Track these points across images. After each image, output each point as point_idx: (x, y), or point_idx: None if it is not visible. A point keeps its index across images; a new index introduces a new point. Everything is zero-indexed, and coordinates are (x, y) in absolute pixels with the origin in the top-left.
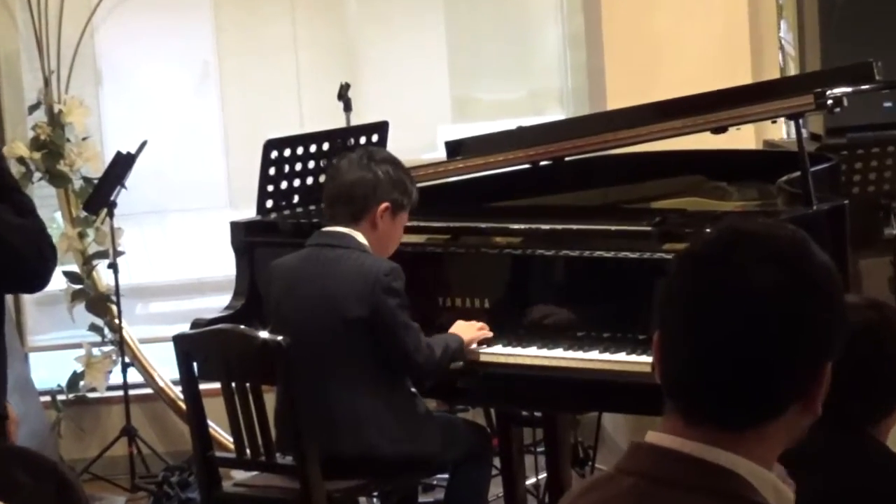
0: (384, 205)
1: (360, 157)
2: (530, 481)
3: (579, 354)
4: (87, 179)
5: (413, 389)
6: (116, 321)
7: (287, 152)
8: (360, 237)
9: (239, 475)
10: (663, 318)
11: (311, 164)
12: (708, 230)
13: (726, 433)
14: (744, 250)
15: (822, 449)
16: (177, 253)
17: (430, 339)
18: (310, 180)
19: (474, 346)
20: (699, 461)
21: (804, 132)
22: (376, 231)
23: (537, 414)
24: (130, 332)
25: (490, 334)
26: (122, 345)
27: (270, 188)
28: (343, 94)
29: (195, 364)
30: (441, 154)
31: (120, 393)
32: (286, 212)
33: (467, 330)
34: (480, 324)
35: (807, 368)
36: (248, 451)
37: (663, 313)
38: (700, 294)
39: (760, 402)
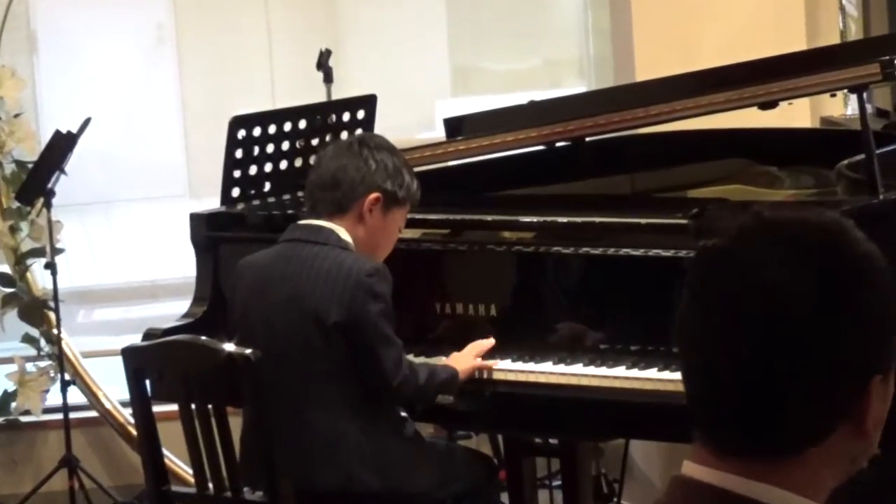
0: (374, 195)
1: (351, 143)
2: None
3: (603, 371)
4: (20, 164)
5: (403, 413)
6: (55, 331)
7: (256, 131)
8: (343, 232)
9: None
10: (679, 331)
11: (285, 146)
12: (725, 221)
13: (761, 463)
14: (763, 246)
15: (879, 478)
16: (126, 251)
17: (417, 364)
18: (283, 164)
19: (479, 360)
20: (739, 499)
21: (869, 107)
22: (363, 226)
23: (553, 441)
24: (71, 345)
25: (490, 343)
26: (61, 359)
27: (237, 174)
28: (323, 62)
29: (148, 382)
30: (439, 134)
31: (59, 416)
32: (256, 202)
33: (462, 356)
34: (479, 345)
35: (848, 384)
36: (210, 484)
37: (679, 325)
38: (712, 301)
39: (795, 428)
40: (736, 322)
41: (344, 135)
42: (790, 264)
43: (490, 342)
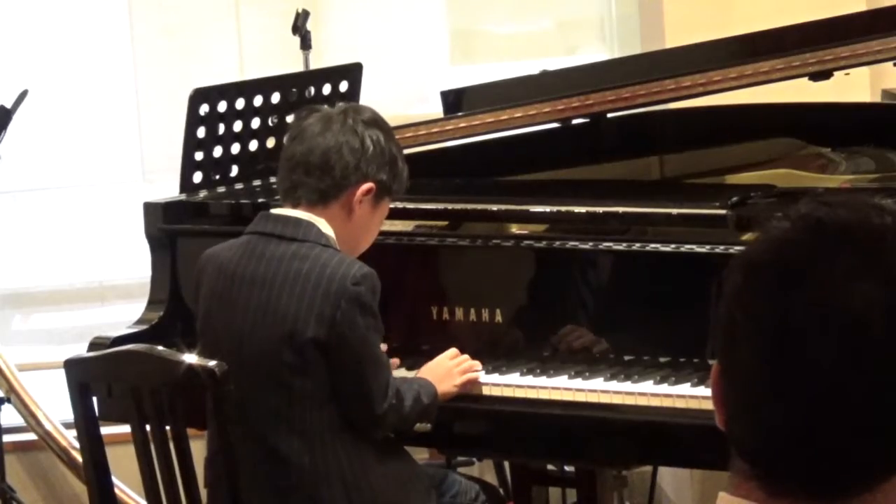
0: (368, 185)
1: (342, 116)
2: None
3: (627, 386)
4: None
5: (390, 433)
6: None
7: (222, 106)
8: (325, 226)
9: None
10: (724, 353)
11: (255, 123)
12: (774, 223)
13: (823, 502)
14: (830, 257)
15: None
16: (69, 246)
17: (401, 385)
18: (253, 145)
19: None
20: None
21: None
22: (351, 220)
23: (568, 469)
24: (5, 356)
25: (478, 375)
26: None
27: (199, 156)
28: (299, 25)
29: (95, 399)
30: (436, 108)
31: None
32: (221, 189)
33: (446, 374)
34: (469, 363)
35: None
36: None
37: (724, 348)
38: (776, 328)
39: (873, 464)
40: (808, 361)
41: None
42: (867, 286)
43: (479, 371)
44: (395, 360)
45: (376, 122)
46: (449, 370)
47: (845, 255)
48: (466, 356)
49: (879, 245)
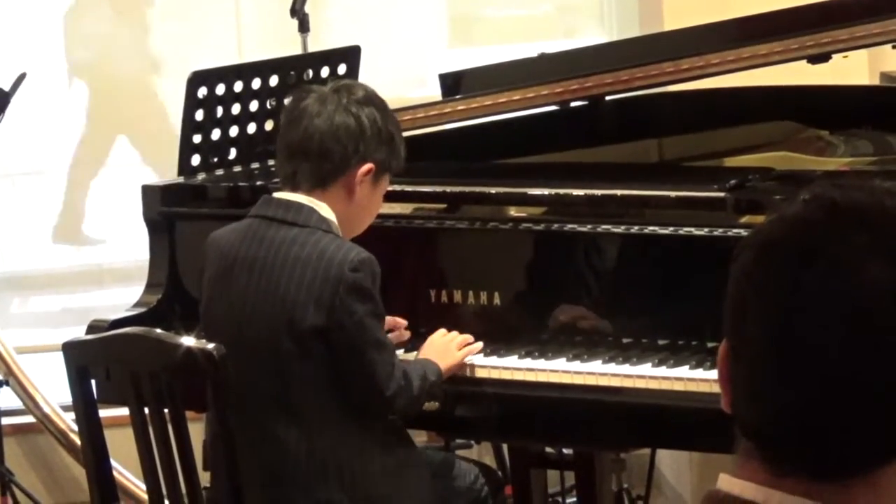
0: (368, 165)
1: (338, 96)
2: None
3: (625, 369)
4: None
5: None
6: None
7: (220, 89)
8: (326, 210)
9: None
10: (734, 333)
11: (254, 106)
12: (787, 203)
13: (827, 485)
14: (843, 237)
15: None
16: (67, 229)
17: (407, 366)
18: (251, 128)
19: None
20: None
21: None
22: (351, 201)
23: (567, 451)
24: (3, 339)
25: (478, 347)
26: None
27: (197, 139)
28: (297, 8)
29: (94, 382)
30: (434, 91)
31: None
32: (219, 171)
33: (445, 351)
34: (462, 336)
35: None
36: (166, 501)
37: (734, 327)
38: (787, 307)
39: (876, 449)
40: (822, 338)
41: None
42: (880, 264)
43: (473, 342)
44: (407, 333)
45: (370, 99)
46: (446, 345)
47: (858, 236)
48: (456, 332)
49: (892, 227)
